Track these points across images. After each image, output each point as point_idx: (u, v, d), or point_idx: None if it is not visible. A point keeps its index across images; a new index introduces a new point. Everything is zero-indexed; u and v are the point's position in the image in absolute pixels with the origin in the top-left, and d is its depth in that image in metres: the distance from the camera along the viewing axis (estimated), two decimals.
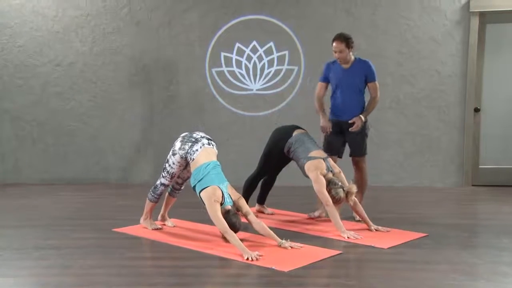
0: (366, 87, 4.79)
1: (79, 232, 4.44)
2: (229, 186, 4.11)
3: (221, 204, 3.98)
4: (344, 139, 4.86)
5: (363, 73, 4.72)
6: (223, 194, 4.00)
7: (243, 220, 4.06)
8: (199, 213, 4.63)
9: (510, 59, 6.41)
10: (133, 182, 6.81)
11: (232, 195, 4.08)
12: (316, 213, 4.90)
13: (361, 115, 4.73)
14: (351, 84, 4.73)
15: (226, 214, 3.94)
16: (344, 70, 4.74)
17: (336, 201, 4.31)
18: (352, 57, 4.74)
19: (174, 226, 4.62)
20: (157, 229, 4.51)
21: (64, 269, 3.52)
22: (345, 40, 4.62)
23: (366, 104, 4.81)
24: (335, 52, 4.65)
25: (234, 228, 3.90)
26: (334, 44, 4.65)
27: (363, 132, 4.82)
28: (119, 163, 6.90)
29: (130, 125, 6.86)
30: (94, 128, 6.88)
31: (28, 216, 5.07)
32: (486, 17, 6.34)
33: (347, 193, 4.33)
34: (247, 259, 3.61)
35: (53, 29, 6.79)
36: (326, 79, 4.86)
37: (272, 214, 5.08)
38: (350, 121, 4.72)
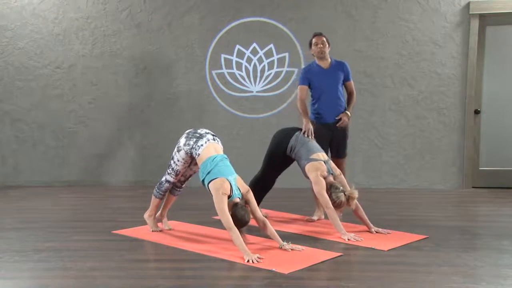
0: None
1: (79, 234, 4.44)
2: (238, 178, 4.05)
3: (229, 196, 3.93)
4: (328, 142, 4.87)
5: (342, 73, 4.88)
6: (231, 186, 3.94)
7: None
8: (199, 215, 4.63)
9: (510, 61, 6.41)
10: (132, 184, 6.81)
11: (241, 187, 4.01)
12: (315, 217, 4.88)
13: (346, 111, 4.87)
14: (333, 84, 4.85)
15: (234, 206, 3.87)
16: (324, 70, 4.85)
17: (336, 205, 4.26)
18: (329, 58, 4.89)
19: (170, 229, 4.57)
20: (157, 231, 4.50)
21: (64, 272, 3.51)
22: (325, 36, 4.87)
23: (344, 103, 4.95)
24: (317, 45, 4.81)
25: (243, 220, 3.84)
26: (315, 39, 4.85)
27: (347, 132, 4.94)
28: (119, 165, 6.90)
29: (130, 127, 6.86)
30: (94, 130, 6.89)
31: (28, 219, 5.07)
32: (486, 19, 6.34)
33: (348, 198, 4.27)
34: (248, 261, 3.60)
35: (53, 31, 6.80)
36: (307, 82, 4.89)
37: (266, 216, 5.04)
38: (337, 117, 4.83)
